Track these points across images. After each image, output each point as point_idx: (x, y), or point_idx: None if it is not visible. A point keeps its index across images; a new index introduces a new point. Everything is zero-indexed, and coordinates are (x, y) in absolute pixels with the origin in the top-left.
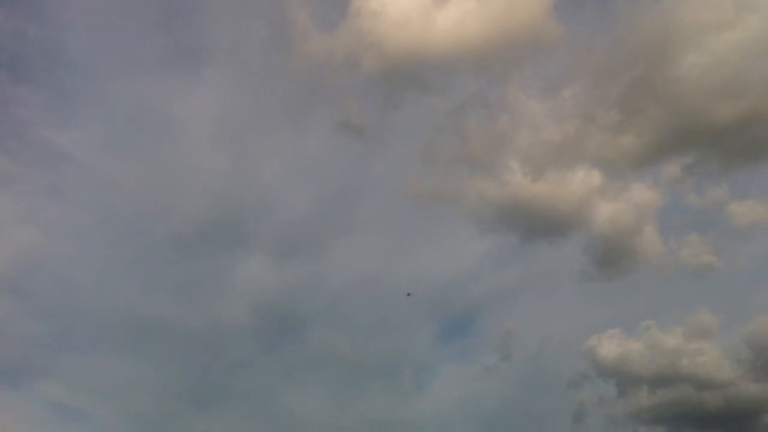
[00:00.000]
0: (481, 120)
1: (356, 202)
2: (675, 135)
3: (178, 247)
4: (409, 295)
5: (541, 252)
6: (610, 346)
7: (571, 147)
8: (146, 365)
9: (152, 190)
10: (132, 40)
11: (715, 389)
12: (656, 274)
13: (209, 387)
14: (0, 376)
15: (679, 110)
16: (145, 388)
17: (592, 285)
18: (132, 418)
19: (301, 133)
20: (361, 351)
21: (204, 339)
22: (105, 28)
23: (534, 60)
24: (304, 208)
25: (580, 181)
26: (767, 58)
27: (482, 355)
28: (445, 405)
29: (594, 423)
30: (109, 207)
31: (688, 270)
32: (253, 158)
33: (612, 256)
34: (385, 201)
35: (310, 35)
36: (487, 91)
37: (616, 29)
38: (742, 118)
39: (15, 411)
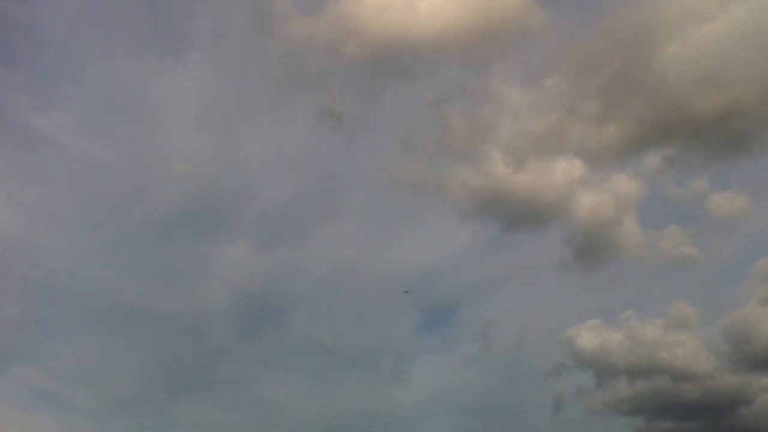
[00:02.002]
0: (463, 109)
1: (338, 189)
2: (656, 126)
3: (158, 231)
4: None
5: (522, 242)
6: (589, 337)
7: (552, 137)
8: (126, 350)
9: (133, 173)
10: (114, 22)
11: (693, 380)
12: (636, 266)
13: (189, 373)
14: None
15: (661, 102)
16: (125, 373)
17: (573, 275)
18: (112, 404)
19: (283, 119)
20: (341, 339)
21: (184, 325)
22: (87, 10)
23: (516, 49)
24: (285, 195)
25: (562, 171)
26: (750, 49)
27: (462, 344)
28: (425, 394)
29: (572, 413)
30: (89, 190)
31: (668, 261)
32: (235, 143)
33: (592, 247)
34: (367, 189)
35: (292, 19)
36: (469, 80)
37: (598, 19)
38: (723, 110)
39: None
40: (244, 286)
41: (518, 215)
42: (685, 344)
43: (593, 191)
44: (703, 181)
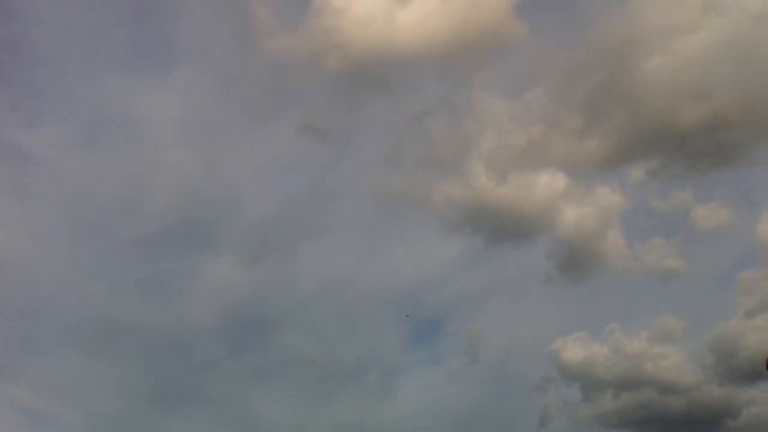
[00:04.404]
0: (445, 122)
1: (323, 203)
2: (640, 139)
3: (144, 246)
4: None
5: (506, 255)
6: (574, 350)
7: (535, 150)
8: (112, 367)
9: (119, 189)
10: (99, 39)
11: (679, 393)
12: (621, 278)
13: (176, 389)
14: None
15: (644, 114)
16: (111, 390)
17: (558, 288)
18: (99, 421)
19: (267, 133)
20: (329, 354)
21: (171, 341)
22: (73, 26)
23: (498, 61)
24: (270, 209)
25: (545, 184)
26: (733, 61)
27: (449, 358)
28: (412, 408)
29: (559, 426)
30: (75, 206)
31: (653, 274)
32: (220, 158)
33: (577, 260)
34: (352, 203)
35: (273, 33)
36: (450, 93)
37: (580, 31)
38: (707, 122)
39: None
40: (231, 301)
41: (502, 228)
42: (670, 357)
43: (577, 204)
44: (687, 194)
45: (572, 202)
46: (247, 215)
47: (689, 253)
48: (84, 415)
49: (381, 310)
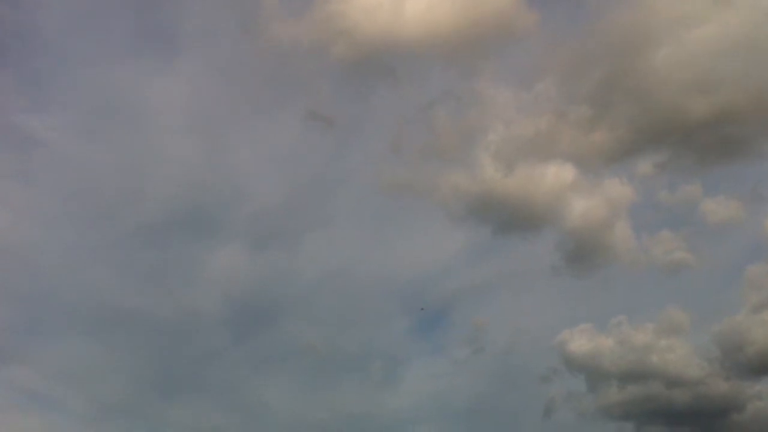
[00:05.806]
0: (451, 112)
1: (328, 193)
2: (648, 131)
3: (149, 234)
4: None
5: (513, 247)
6: (580, 342)
7: (543, 142)
8: (117, 353)
9: (124, 176)
10: (105, 25)
11: (684, 386)
12: (628, 271)
13: (180, 376)
14: None
15: (653, 106)
16: (115, 375)
17: (564, 280)
18: (103, 406)
19: (272, 122)
20: (333, 343)
21: (175, 328)
22: (79, 13)
23: (506, 52)
24: (275, 198)
25: (553, 176)
26: (741, 54)
27: (453, 349)
28: (416, 398)
29: (563, 418)
30: (80, 193)
31: (660, 267)
32: (225, 146)
33: (584, 252)
34: (357, 193)
35: (279, 20)
36: (457, 83)
37: (589, 22)
38: (715, 115)
39: None
40: (236, 289)
41: (509, 220)
42: (677, 350)
43: (585, 196)
44: (696, 186)
45: (580, 194)
46: (251, 204)
47: (697, 247)
48: (88, 400)
49: (385, 300)
